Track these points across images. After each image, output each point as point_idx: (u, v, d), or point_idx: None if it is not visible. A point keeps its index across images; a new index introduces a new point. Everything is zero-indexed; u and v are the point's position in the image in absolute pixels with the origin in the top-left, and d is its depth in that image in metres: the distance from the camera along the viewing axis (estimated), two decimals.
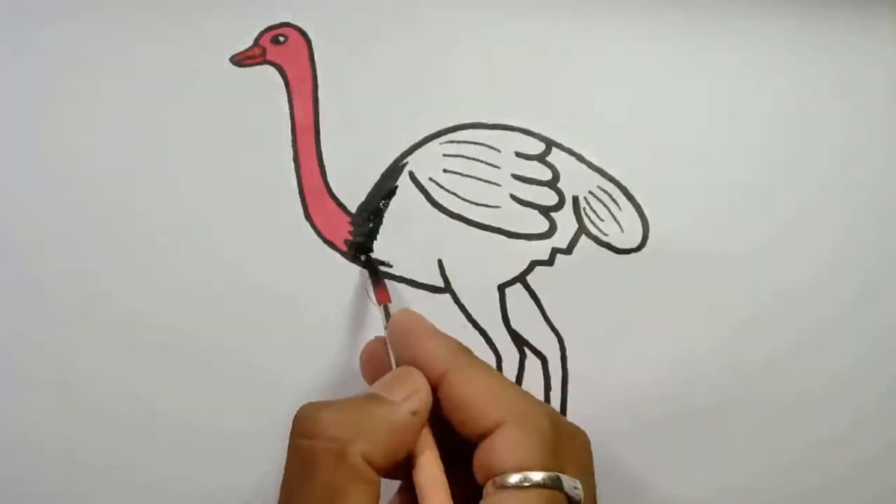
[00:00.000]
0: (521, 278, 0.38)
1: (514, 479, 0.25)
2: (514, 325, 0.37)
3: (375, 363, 0.32)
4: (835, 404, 0.37)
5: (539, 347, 0.37)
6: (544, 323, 0.37)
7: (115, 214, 0.38)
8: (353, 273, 0.37)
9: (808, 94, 0.42)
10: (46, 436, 0.35)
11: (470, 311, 0.37)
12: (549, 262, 0.38)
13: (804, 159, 0.41)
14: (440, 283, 0.37)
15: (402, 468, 0.27)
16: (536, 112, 0.40)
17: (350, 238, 0.38)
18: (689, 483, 0.36)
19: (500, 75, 0.41)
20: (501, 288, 0.37)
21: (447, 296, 0.37)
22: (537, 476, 0.25)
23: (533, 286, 0.38)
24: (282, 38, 0.40)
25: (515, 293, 0.38)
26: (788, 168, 0.40)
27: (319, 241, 0.38)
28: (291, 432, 0.27)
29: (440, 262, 0.38)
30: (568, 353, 0.37)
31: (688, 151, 0.40)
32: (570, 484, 0.26)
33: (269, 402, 0.35)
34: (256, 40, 0.40)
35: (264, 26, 0.41)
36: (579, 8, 0.42)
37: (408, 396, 0.27)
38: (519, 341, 0.37)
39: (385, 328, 0.32)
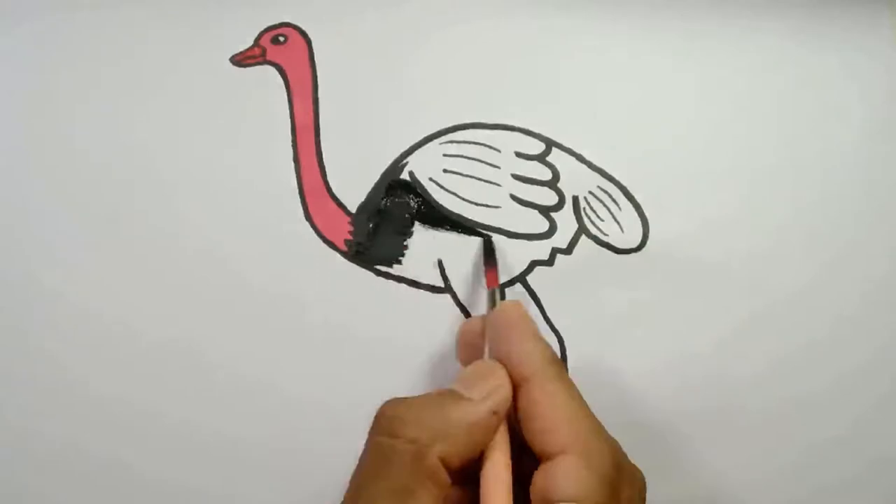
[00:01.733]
0: (521, 278, 0.38)
1: None
2: None
3: (470, 342, 0.32)
4: (835, 406, 0.37)
5: None
6: (544, 323, 0.37)
7: (114, 214, 0.38)
8: (354, 273, 0.37)
9: (809, 94, 0.42)
10: (45, 436, 0.35)
11: (470, 311, 0.37)
12: (549, 262, 0.38)
13: (804, 160, 0.41)
14: (440, 283, 0.37)
15: (474, 468, 0.27)
16: (536, 112, 0.40)
17: (350, 238, 0.38)
18: (688, 483, 0.36)
19: (501, 75, 0.41)
20: (501, 288, 0.37)
21: (447, 296, 0.37)
22: None
23: (533, 286, 0.38)
24: (282, 38, 0.40)
25: (515, 293, 0.38)
26: (789, 169, 0.40)
27: (319, 241, 0.38)
28: (372, 428, 0.27)
29: (440, 262, 0.38)
30: (568, 353, 0.37)
31: (688, 152, 0.40)
32: None
33: (269, 403, 0.35)
34: (256, 40, 0.40)
35: (264, 26, 0.41)
36: (580, 7, 0.42)
37: (488, 394, 0.27)
38: None
39: (489, 305, 0.32)
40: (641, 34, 0.42)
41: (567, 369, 0.37)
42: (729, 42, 0.42)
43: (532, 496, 0.26)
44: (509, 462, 0.27)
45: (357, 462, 0.27)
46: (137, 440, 0.35)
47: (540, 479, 0.26)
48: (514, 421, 0.28)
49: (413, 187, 0.38)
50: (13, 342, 0.36)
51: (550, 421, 0.27)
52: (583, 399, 0.28)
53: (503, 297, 0.33)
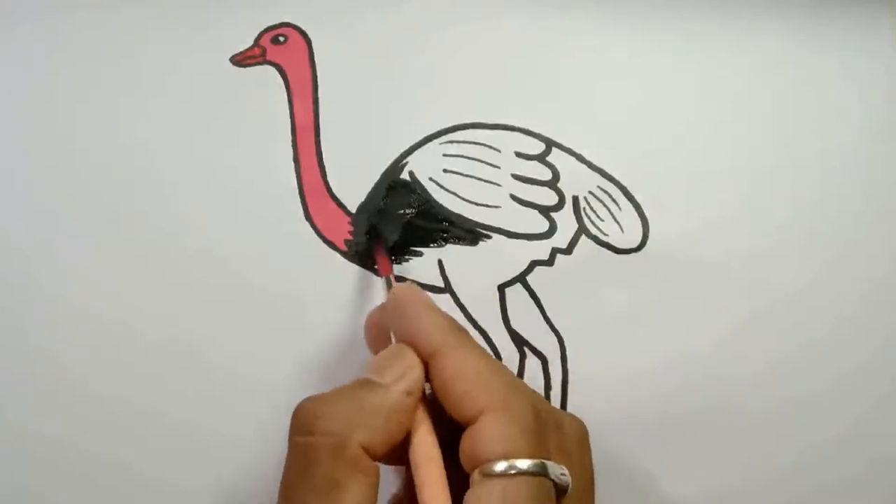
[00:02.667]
0: (521, 278, 0.38)
1: (500, 466, 0.25)
2: (514, 325, 0.37)
3: (376, 333, 0.32)
4: (835, 406, 0.37)
5: (539, 347, 0.37)
6: (544, 323, 0.37)
7: (114, 215, 0.38)
8: (354, 273, 0.37)
9: (809, 94, 0.42)
10: (45, 436, 0.35)
11: (470, 311, 0.37)
12: (549, 262, 0.38)
13: (805, 160, 0.41)
14: (440, 283, 0.37)
15: (401, 450, 0.27)
16: (536, 112, 0.40)
17: (350, 238, 0.38)
18: (688, 483, 0.36)
19: (501, 75, 0.41)
20: (501, 288, 0.37)
21: (447, 296, 0.37)
22: (523, 464, 0.25)
23: (533, 286, 0.38)
24: (282, 38, 0.40)
25: (515, 293, 0.38)
26: (789, 169, 0.40)
27: (319, 241, 0.38)
28: (290, 430, 0.27)
29: (440, 262, 0.38)
30: (568, 353, 0.37)
31: (688, 151, 0.40)
32: (557, 470, 0.26)
33: (269, 403, 0.35)
34: (256, 40, 0.40)
35: (264, 26, 0.41)
36: (580, 7, 0.42)
37: (400, 377, 0.27)
38: (519, 341, 0.37)
39: (385, 291, 0.32)
40: (641, 34, 0.42)
41: (567, 369, 0.37)
42: (729, 42, 0.42)
43: (462, 462, 0.27)
44: (435, 439, 0.27)
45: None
46: (137, 440, 0.35)
47: (466, 443, 0.26)
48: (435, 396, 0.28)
49: (413, 187, 0.38)
50: (13, 342, 0.36)
51: (464, 386, 0.27)
52: (492, 358, 0.29)
53: (391, 283, 0.33)
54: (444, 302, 0.37)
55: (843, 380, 0.37)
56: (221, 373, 0.36)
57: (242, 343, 0.36)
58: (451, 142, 0.39)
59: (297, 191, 0.38)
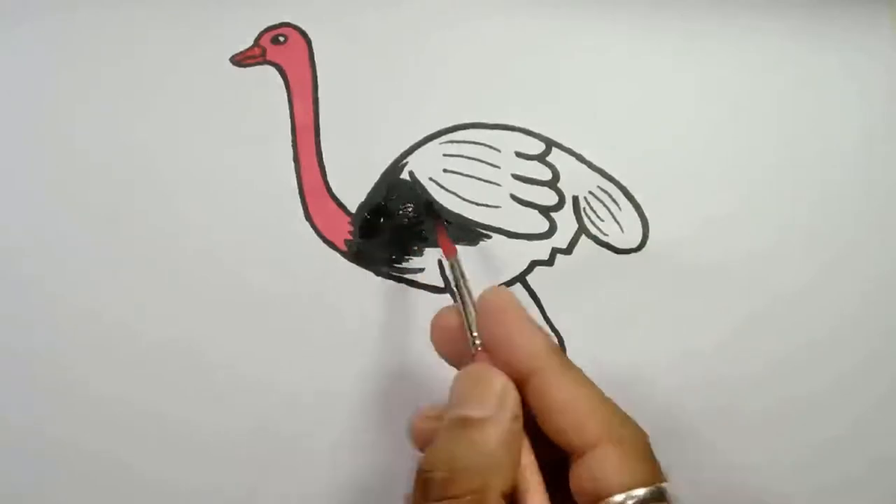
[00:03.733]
0: (521, 278, 0.38)
1: (618, 498, 0.24)
2: None
3: (450, 336, 0.29)
4: (835, 406, 0.37)
5: None
6: (544, 323, 0.37)
7: (114, 215, 0.38)
8: (354, 273, 0.37)
9: (809, 94, 0.42)
10: (45, 436, 0.35)
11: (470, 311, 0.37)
12: (549, 262, 0.38)
13: (804, 160, 0.41)
14: (440, 283, 0.37)
15: None
16: (536, 112, 0.40)
17: (350, 238, 0.38)
18: (688, 483, 0.36)
19: (501, 75, 0.41)
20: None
21: (447, 296, 0.37)
22: (640, 491, 0.24)
23: (533, 286, 0.38)
24: (282, 38, 0.40)
25: (515, 293, 0.37)
26: (789, 169, 0.40)
27: (319, 241, 0.38)
28: (420, 496, 0.25)
29: (440, 263, 0.38)
30: (568, 353, 0.37)
31: (688, 152, 0.40)
32: (670, 489, 0.25)
33: (269, 403, 0.35)
34: (256, 40, 0.40)
35: (264, 26, 0.41)
36: (580, 7, 0.42)
37: (500, 403, 0.25)
38: None
39: (452, 282, 0.31)
40: (641, 34, 0.42)
41: None
42: (729, 42, 0.42)
43: (579, 496, 0.25)
44: (536, 464, 0.26)
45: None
46: (138, 440, 0.35)
47: (584, 476, 0.25)
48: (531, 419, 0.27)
49: (413, 187, 0.38)
50: (13, 342, 0.36)
51: (574, 415, 0.26)
52: (595, 385, 0.27)
53: (462, 273, 0.31)
54: (444, 302, 0.37)
55: (843, 380, 0.37)
56: (221, 373, 0.36)
57: (242, 343, 0.36)
58: (451, 142, 0.39)
59: (297, 191, 0.38)
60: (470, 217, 0.38)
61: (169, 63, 0.40)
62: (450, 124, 0.40)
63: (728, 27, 0.42)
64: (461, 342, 0.28)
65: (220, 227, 0.37)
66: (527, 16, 0.42)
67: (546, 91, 0.41)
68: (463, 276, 0.31)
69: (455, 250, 0.32)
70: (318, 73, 0.40)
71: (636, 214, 0.39)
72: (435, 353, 0.30)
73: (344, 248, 0.37)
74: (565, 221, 0.39)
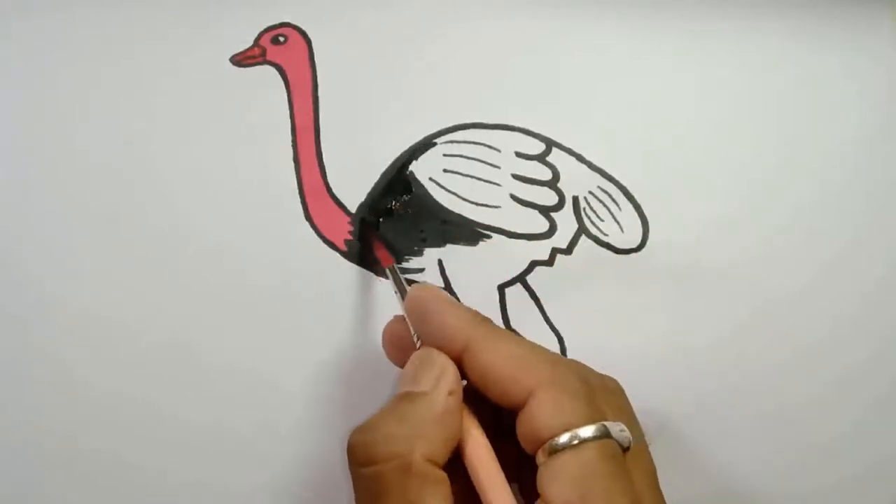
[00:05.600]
0: (521, 278, 0.38)
1: (563, 439, 0.25)
2: (514, 325, 0.37)
3: (397, 343, 0.31)
4: (835, 406, 0.37)
5: None
6: (544, 323, 0.37)
7: (114, 215, 0.38)
8: (354, 273, 0.37)
9: (809, 94, 0.42)
10: (45, 436, 0.35)
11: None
12: (549, 262, 0.38)
13: (804, 160, 0.41)
14: (440, 284, 0.37)
15: (456, 454, 0.27)
16: (536, 112, 0.40)
17: (350, 238, 0.38)
18: (688, 483, 0.36)
19: (501, 75, 0.41)
20: (501, 288, 0.37)
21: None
22: (586, 431, 0.25)
23: (533, 286, 0.38)
24: (282, 38, 0.40)
25: (515, 293, 0.38)
26: (788, 169, 0.40)
27: (319, 241, 0.38)
28: (350, 463, 0.27)
29: (440, 262, 0.38)
30: (568, 353, 0.37)
31: (688, 151, 0.40)
32: (616, 428, 0.26)
33: (269, 403, 0.35)
34: (256, 40, 0.40)
35: (264, 26, 0.41)
36: (580, 7, 0.42)
37: (437, 380, 0.27)
38: None
39: (395, 292, 0.32)
40: (641, 34, 0.42)
41: None
42: (729, 42, 0.42)
43: (523, 446, 0.26)
44: (485, 437, 0.27)
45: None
46: (138, 440, 0.35)
47: (524, 426, 0.26)
48: (475, 390, 0.28)
49: (413, 187, 0.38)
50: (14, 342, 0.36)
51: (505, 374, 0.27)
52: (524, 338, 0.28)
53: (401, 280, 0.32)
54: None
55: (843, 380, 0.37)
56: (221, 373, 0.36)
57: (242, 343, 0.36)
58: (451, 142, 0.39)
59: (297, 191, 0.38)
60: (470, 217, 0.38)
61: (169, 63, 0.40)
62: (450, 124, 0.40)
63: (728, 27, 0.42)
64: (411, 349, 0.30)
65: (219, 227, 0.37)
66: (527, 16, 0.42)
67: (546, 91, 0.41)
68: (401, 282, 0.32)
69: (391, 260, 0.34)
70: (318, 73, 0.40)
71: (636, 214, 0.39)
72: None
73: (344, 248, 0.37)
74: (565, 221, 0.39)
